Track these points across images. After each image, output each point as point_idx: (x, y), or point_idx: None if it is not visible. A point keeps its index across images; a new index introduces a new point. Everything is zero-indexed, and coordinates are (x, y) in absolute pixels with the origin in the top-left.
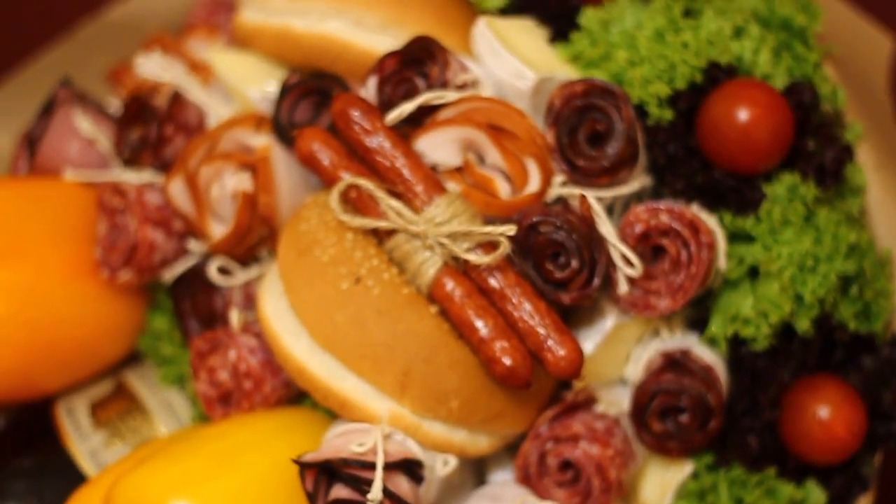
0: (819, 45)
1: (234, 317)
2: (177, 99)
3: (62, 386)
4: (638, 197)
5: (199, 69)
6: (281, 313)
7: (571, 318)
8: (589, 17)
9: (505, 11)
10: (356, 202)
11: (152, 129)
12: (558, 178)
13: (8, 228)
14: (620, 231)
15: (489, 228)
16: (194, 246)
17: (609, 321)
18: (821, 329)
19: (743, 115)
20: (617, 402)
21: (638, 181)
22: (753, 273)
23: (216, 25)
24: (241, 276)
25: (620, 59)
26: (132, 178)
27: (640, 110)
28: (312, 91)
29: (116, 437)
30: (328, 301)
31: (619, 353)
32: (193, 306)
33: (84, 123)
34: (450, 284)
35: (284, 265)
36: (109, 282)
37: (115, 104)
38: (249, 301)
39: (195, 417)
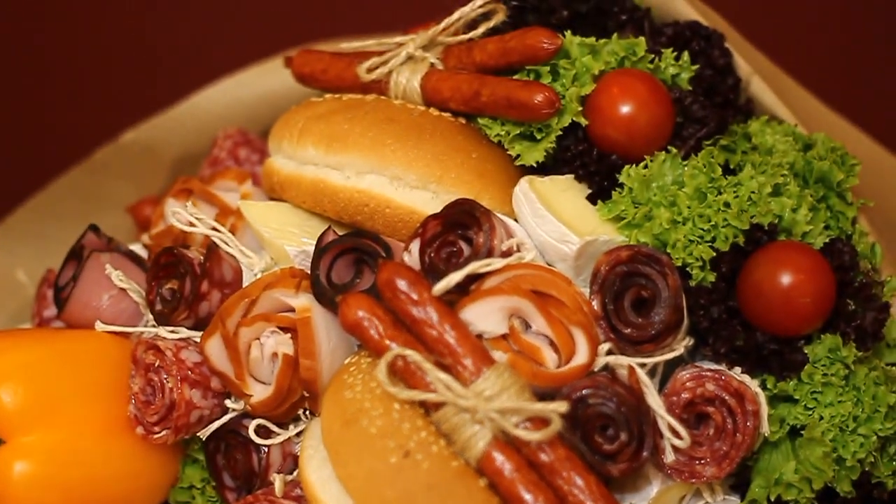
0: (855, 196)
1: (278, 482)
2: (212, 253)
3: None
4: (679, 358)
5: (229, 214)
6: (326, 482)
7: (615, 482)
8: (630, 175)
9: (544, 165)
10: (403, 372)
11: (187, 284)
12: (604, 346)
13: (43, 388)
14: (666, 398)
15: (540, 406)
16: (232, 404)
17: (654, 487)
18: (860, 488)
19: (786, 279)
20: None
21: (681, 345)
22: (793, 431)
23: (241, 164)
24: (279, 436)
25: (662, 218)
26: (167, 334)
27: (683, 271)
28: (350, 249)
29: None
30: (377, 475)
31: None
32: (228, 462)
33: (115, 274)
34: (499, 458)
35: (329, 434)
36: (144, 439)
37: (138, 247)
38: (287, 460)
39: None
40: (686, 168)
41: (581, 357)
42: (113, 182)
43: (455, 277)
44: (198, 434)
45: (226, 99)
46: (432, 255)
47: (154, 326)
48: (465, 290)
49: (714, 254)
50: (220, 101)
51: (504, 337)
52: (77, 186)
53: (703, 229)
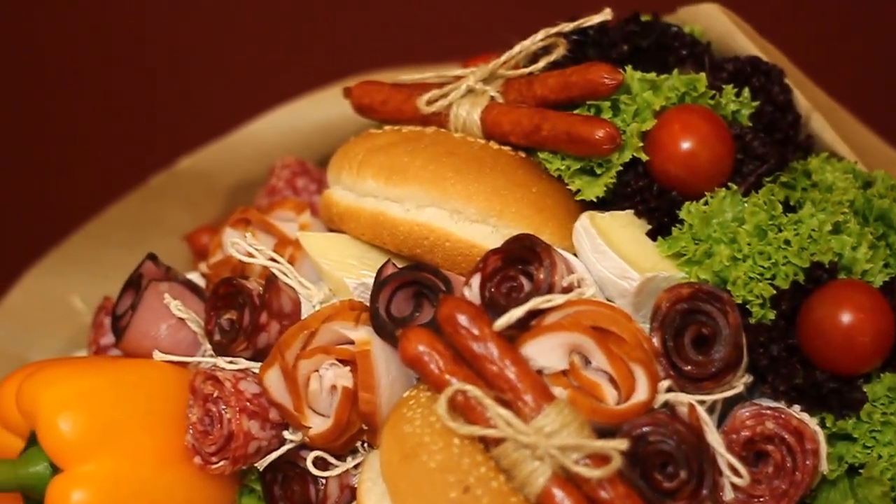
0: None
1: None
2: (271, 285)
3: None
4: (737, 395)
5: (287, 244)
6: None
7: None
8: (690, 211)
9: (603, 201)
10: (463, 407)
11: (245, 315)
12: (664, 383)
13: (101, 417)
14: (725, 436)
15: (601, 443)
16: (290, 435)
17: None
18: None
19: (846, 318)
20: None
21: (740, 382)
22: (851, 469)
23: (298, 193)
24: (337, 468)
25: (723, 255)
26: (225, 364)
27: (743, 308)
28: (410, 283)
29: None
30: None
31: None
32: (285, 493)
33: (174, 303)
34: (559, 495)
35: (388, 468)
36: (201, 469)
37: (196, 276)
38: (344, 492)
39: None
40: (746, 205)
41: (641, 394)
42: (168, 209)
43: (516, 313)
44: (255, 464)
45: (281, 127)
46: (493, 289)
47: (212, 356)
48: (525, 325)
49: (774, 291)
50: (276, 130)
51: (564, 373)
52: (132, 213)
53: (763, 267)
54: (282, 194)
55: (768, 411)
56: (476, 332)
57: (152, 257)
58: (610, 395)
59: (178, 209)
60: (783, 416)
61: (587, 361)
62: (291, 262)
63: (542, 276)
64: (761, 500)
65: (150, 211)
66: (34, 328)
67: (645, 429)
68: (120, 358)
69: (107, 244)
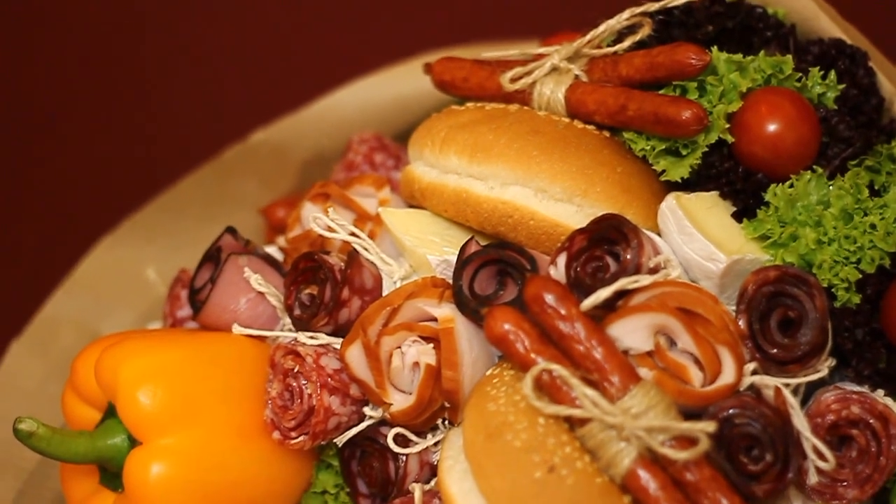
0: None
1: (418, 492)
2: (353, 261)
3: None
4: (820, 379)
5: (367, 220)
6: (467, 495)
7: (755, 503)
8: (776, 194)
9: (687, 182)
10: (548, 387)
11: (327, 290)
12: (749, 366)
13: (181, 390)
14: (810, 419)
15: (688, 425)
16: (370, 412)
17: None
18: None
19: None
20: None
21: (825, 366)
22: None
23: (376, 169)
24: (418, 445)
25: (808, 239)
26: (306, 339)
27: (828, 292)
28: (494, 261)
29: None
30: (521, 490)
31: None
32: (363, 469)
33: (254, 277)
34: (644, 476)
35: (472, 446)
36: (280, 444)
37: (273, 250)
38: (424, 469)
39: None
40: (832, 188)
41: (728, 376)
42: (241, 182)
43: (603, 294)
44: (333, 440)
45: (357, 102)
46: (578, 269)
47: (291, 331)
48: (610, 306)
49: (859, 275)
50: (351, 104)
51: (649, 354)
52: (205, 185)
53: (848, 251)
54: (359, 169)
55: (854, 395)
56: (563, 311)
57: (231, 231)
58: (696, 377)
59: (251, 182)
60: (868, 400)
61: (672, 343)
62: (371, 237)
63: (629, 257)
64: (845, 484)
65: (223, 184)
66: (106, 299)
67: (731, 411)
68: (198, 331)
69: (179, 216)
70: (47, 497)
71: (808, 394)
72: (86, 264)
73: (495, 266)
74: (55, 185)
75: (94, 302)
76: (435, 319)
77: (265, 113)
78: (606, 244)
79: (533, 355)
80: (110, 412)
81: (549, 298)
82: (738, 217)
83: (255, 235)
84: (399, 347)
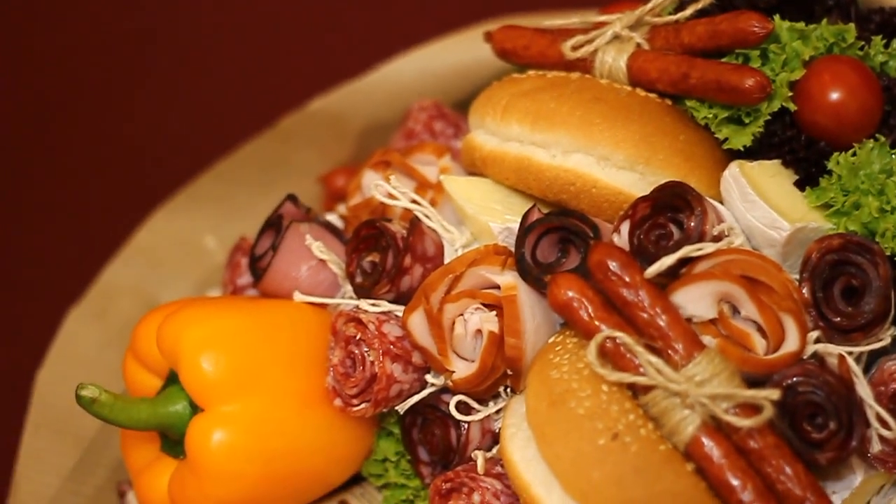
0: None
1: (480, 460)
2: (415, 228)
3: None
4: (882, 348)
5: (428, 188)
6: (530, 461)
7: (819, 471)
8: (839, 162)
9: (750, 150)
10: (612, 354)
11: (389, 258)
12: (812, 334)
13: (243, 357)
14: (873, 388)
15: (752, 392)
16: (432, 379)
17: (858, 477)
18: None
19: None
20: None
21: (888, 334)
22: None
23: (436, 137)
24: (480, 413)
25: (871, 207)
26: (368, 307)
27: (890, 261)
28: (556, 229)
29: None
30: (584, 457)
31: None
32: (425, 436)
33: (316, 244)
34: (708, 444)
35: (535, 414)
36: (342, 411)
37: (334, 217)
38: (486, 437)
39: None
40: (894, 157)
41: (791, 344)
42: (298, 150)
43: (668, 261)
44: (394, 407)
45: (416, 70)
46: (642, 236)
47: (352, 298)
48: (673, 273)
49: None
50: (410, 72)
51: (713, 322)
52: (262, 153)
53: None
54: (419, 138)
55: None
56: (627, 278)
57: (292, 198)
58: (759, 344)
59: (309, 150)
60: None
61: (736, 311)
62: (432, 205)
63: (693, 225)
64: None
65: (280, 152)
66: (163, 267)
67: (795, 379)
68: (260, 298)
69: (236, 185)
70: (107, 465)
71: (870, 362)
72: (143, 233)
73: (557, 234)
74: (115, 154)
75: (152, 270)
76: (497, 287)
77: (323, 82)
78: (670, 212)
79: (597, 323)
80: (172, 379)
81: (614, 265)
82: (800, 186)
83: (312, 203)
84: (461, 315)
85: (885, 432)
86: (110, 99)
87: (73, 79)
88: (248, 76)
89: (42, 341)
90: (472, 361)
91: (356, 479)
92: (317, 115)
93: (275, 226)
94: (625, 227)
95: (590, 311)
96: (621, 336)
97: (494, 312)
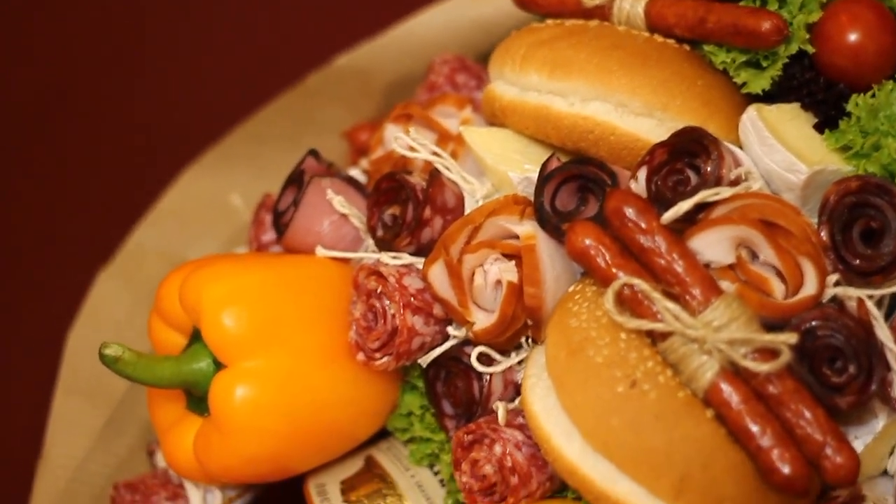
0: None
1: (501, 411)
2: (434, 179)
3: (313, 466)
4: None
5: (449, 140)
6: (550, 411)
7: (841, 416)
8: (858, 104)
9: (768, 94)
10: (630, 301)
11: (409, 210)
12: (832, 278)
13: (265, 313)
14: (894, 331)
15: (770, 337)
16: (453, 331)
17: (880, 422)
18: None
19: None
20: (882, 497)
21: None
22: None
23: (458, 89)
24: (501, 364)
25: (891, 149)
26: (389, 260)
27: None
28: (575, 177)
29: None
30: (603, 404)
31: (884, 450)
32: (448, 389)
33: (337, 199)
34: (727, 389)
35: (555, 363)
36: (364, 365)
37: (356, 172)
38: (508, 388)
39: (449, 502)
40: None
41: (810, 288)
42: (324, 106)
43: (684, 206)
44: (418, 361)
45: (439, 24)
46: (659, 182)
47: (374, 252)
48: (691, 219)
49: None
50: (434, 27)
51: (731, 267)
52: (289, 111)
53: None
54: (441, 90)
55: None
56: (644, 224)
57: (314, 153)
58: (778, 289)
59: (335, 107)
60: None
61: (754, 256)
62: (453, 157)
63: (709, 169)
64: None
65: (307, 109)
66: (191, 227)
67: (814, 323)
68: (282, 254)
69: (264, 142)
70: (138, 425)
71: (892, 306)
72: (170, 194)
73: (576, 182)
74: (144, 114)
75: (180, 231)
76: (517, 237)
77: (348, 39)
78: (687, 157)
79: (614, 270)
80: (196, 337)
81: (630, 212)
82: (819, 128)
83: (340, 160)
84: (481, 265)
85: None
86: (143, 59)
87: (108, 40)
88: (274, 33)
89: (72, 304)
90: (493, 312)
91: (382, 434)
92: (342, 71)
93: (296, 181)
94: (642, 174)
95: (607, 258)
96: (638, 283)
97: (514, 262)
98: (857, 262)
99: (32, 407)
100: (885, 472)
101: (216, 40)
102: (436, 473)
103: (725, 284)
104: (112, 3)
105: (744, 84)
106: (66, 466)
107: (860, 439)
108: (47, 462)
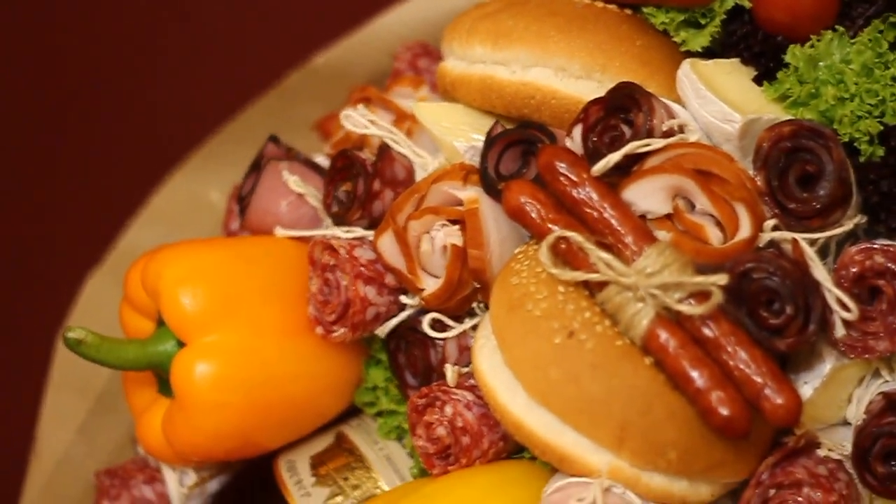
0: None
1: (450, 372)
2: (384, 154)
3: (282, 443)
4: (853, 236)
5: (405, 119)
6: (496, 368)
7: (789, 363)
8: (795, 54)
9: (709, 51)
10: (566, 255)
11: (360, 184)
12: (769, 223)
13: (221, 289)
14: (835, 274)
15: (701, 279)
16: (407, 300)
17: (827, 364)
18: None
19: None
20: (840, 444)
21: (851, 221)
22: None
23: (420, 74)
24: (454, 329)
25: (829, 96)
26: (342, 234)
27: (851, 148)
28: (518, 141)
29: (339, 493)
30: (542, 356)
31: (839, 396)
32: (408, 360)
33: (292, 179)
34: (663, 335)
35: (497, 320)
36: (324, 339)
37: (322, 157)
38: (463, 353)
39: (415, 472)
40: (853, 46)
41: (745, 231)
42: (304, 105)
43: (614, 157)
44: (377, 333)
45: (415, 18)
46: (595, 139)
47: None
48: (627, 172)
49: (882, 128)
50: (408, 20)
51: (668, 217)
52: (269, 111)
53: (870, 104)
54: (404, 76)
55: (877, 246)
56: (574, 177)
57: (273, 139)
58: (714, 236)
59: (314, 105)
60: (893, 249)
61: (692, 206)
62: (409, 135)
63: (640, 121)
64: (875, 336)
65: (286, 108)
66: (178, 227)
67: (749, 265)
68: (242, 236)
69: (247, 144)
70: (128, 420)
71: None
72: (160, 196)
73: (520, 147)
74: (129, 121)
75: (169, 232)
76: (462, 203)
77: (323, 38)
78: (621, 112)
79: (549, 225)
80: (162, 320)
81: (561, 166)
82: (759, 81)
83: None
84: (428, 232)
85: (845, 314)
86: (132, 63)
87: (94, 45)
88: (249, 36)
89: (63, 305)
90: (441, 277)
91: (355, 412)
92: (321, 69)
93: (257, 167)
94: (577, 132)
95: (542, 213)
96: (573, 235)
97: (458, 227)
98: (794, 205)
99: (25, 406)
100: (846, 422)
101: (203, 43)
102: (404, 446)
103: (662, 234)
104: (96, 9)
105: (683, 42)
106: (57, 460)
107: (809, 384)
108: (39, 458)
